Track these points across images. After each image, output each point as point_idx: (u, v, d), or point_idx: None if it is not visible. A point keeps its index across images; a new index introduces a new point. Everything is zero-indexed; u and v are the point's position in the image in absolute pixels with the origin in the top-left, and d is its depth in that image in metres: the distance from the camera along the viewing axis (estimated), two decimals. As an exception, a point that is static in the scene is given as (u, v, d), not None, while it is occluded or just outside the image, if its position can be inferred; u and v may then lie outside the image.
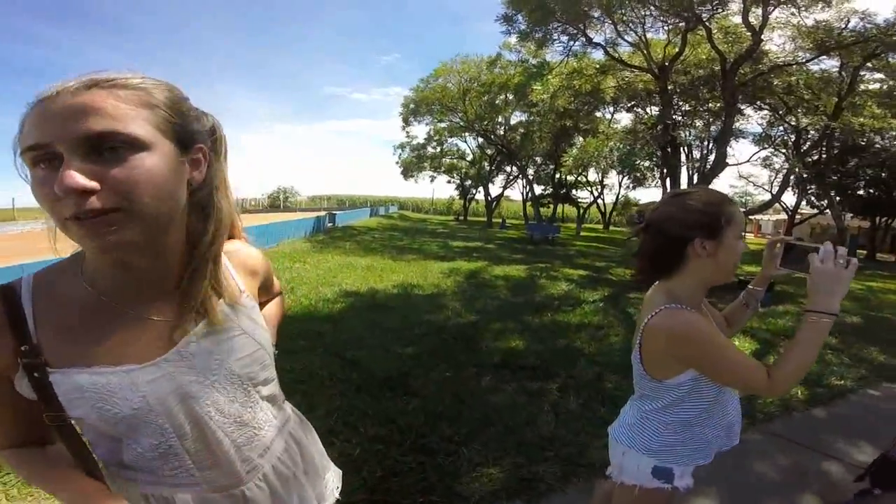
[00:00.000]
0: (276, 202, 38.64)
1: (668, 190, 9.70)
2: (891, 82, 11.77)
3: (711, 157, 19.25)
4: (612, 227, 32.32)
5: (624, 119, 18.00)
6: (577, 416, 2.78)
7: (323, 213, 16.22)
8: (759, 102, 15.61)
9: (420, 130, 33.96)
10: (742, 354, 1.02)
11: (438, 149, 28.88)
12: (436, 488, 2.07)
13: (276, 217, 19.05)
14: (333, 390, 3.02)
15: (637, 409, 1.23)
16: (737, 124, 18.39)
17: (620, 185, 28.82)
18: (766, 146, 19.59)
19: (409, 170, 29.28)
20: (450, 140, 28.50)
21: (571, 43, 11.17)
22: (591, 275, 8.74)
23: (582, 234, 23.95)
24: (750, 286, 1.30)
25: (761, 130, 18.80)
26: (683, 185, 10.24)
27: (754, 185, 24.44)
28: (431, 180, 31.55)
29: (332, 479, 1.05)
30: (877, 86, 12.51)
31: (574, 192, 28.85)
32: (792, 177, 17.71)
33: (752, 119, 17.80)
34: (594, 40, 10.82)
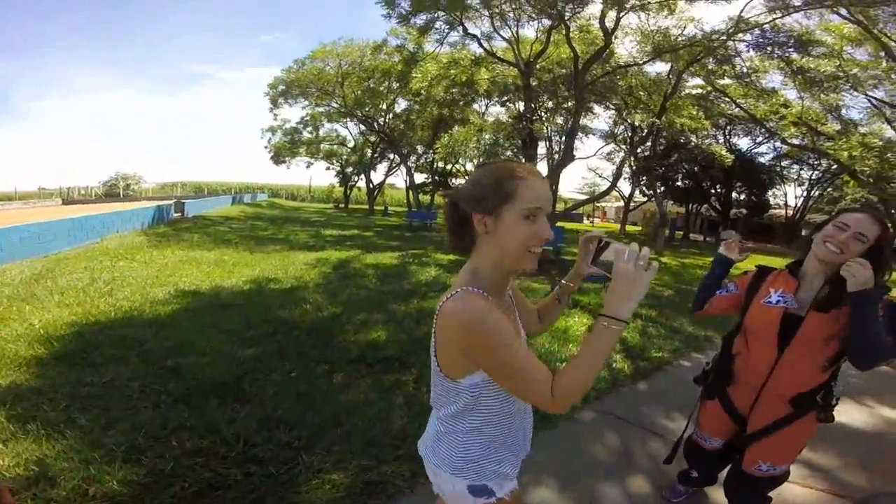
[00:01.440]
0: (114, 190, 32.64)
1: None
2: (709, 88, 14.24)
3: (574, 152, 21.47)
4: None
5: (498, 112, 18.95)
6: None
7: (168, 202, 13.95)
8: (606, 102, 17.76)
9: (294, 113, 31.75)
10: (531, 360, 0.88)
11: (315, 134, 27.19)
12: (265, 500, 1.84)
13: (110, 207, 15.93)
14: (144, 403, 2.52)
15: (435, 417, 1.08)
16: (588, 122, 20.75)
17: (493, 175, 30.62)
18: (611, 142, 22.51)
19: (280, 155, 27.05)
20: (327, 125, 27.05)
21: (448, 32, 11.22)
22: (461, 259, 8.95)
23: (459, 221, 24.84)
24: (563, 280, 1.20)
25: (607, 128, 21.55)
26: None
27: (600, 176, 27.98)
28: (308, 166, 29.68)
29: None
30: (697, 91, 15.04)
31: (453, 180, 29.83)
32: (626, 168, 20.71)
33: (602, 117, 20.31)
34: (470, 31, 11.02)
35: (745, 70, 11.24)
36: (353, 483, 1.99)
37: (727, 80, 13.54)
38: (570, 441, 2.51)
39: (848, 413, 3.00)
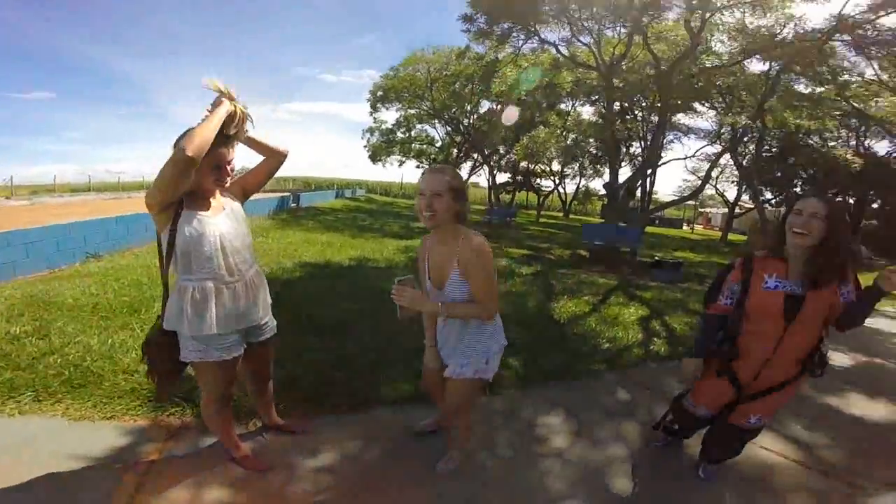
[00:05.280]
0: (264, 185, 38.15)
1: (609, 181, 10.67)
2: (821, 88, 13.04)
3: (661, 153, 20.64)
4: (571, 216, 33.76)
5: (589, 112, 18.97)
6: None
7: (287, 194, 16.53)
8: (706, 102, 16.83)
9: (390, 116, 33.90)
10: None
11: (407, 134, 29.19)
12: (358, 393, 2.81)
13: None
14: (285, 333, 3.64)
15: None
16: (689, 121, 19.74)
17: (581, 176, 30.07)
18: (715, 142, 21.09)
19: (377, 154, 29.45)
20: (419, 126, 28.87)
21: (524, 41, 11.87)
22: (531, 254, 9.64)
23: (541, 220, 25.06)
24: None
25: (710, 128, 20.25)
26: (623, 177, 11.20)
27: (698, 178, 26.14)
28: (400, 165, 31.88)
29: (272, 321, 2.02)
30: (819, 89, 13.73)
31: (538, 180, 30.05)
32: (727, 172, 19.04)
33: (706, 116, 19.16)
34: (548, 40, 11.58)
35: (841, 70, 10.24)
36: (413, 390, 2.85)
37: (848, 77, 12.31)
38: (585, 390, 3.18)
39: (871, 406, 3.21)
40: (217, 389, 1.82)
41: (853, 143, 21.17)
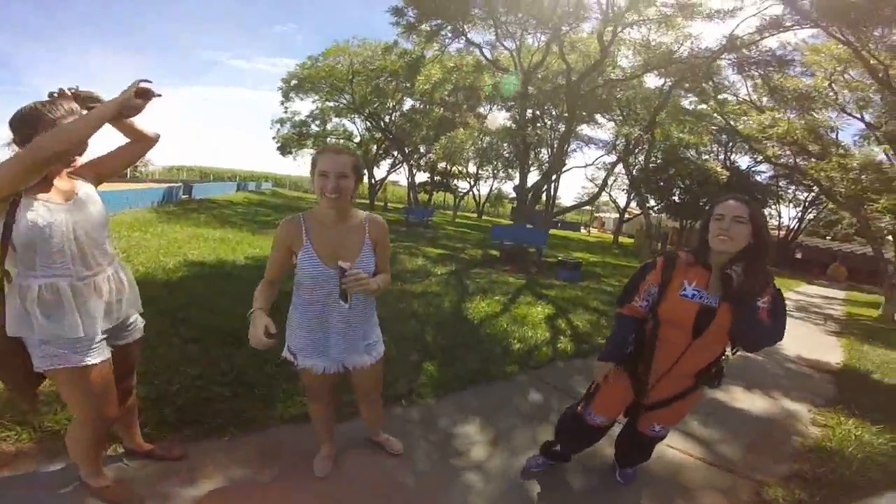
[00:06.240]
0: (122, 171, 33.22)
1: (519, 184, 11.03)
2: (703, 105, 14.71)
3: (565, 160, 22.07)
4: (484, 217, 34.82)
5: (504, 117, 19.50)
6: (396, 360, 3.25)
7: (177, 184, 14.59)
8: (606, 114, 18.26)
9: (304, 107, 32.11)
10: (272, 259, 1.68)
11: (322, 127, 27.72)
12: (247, 411, 2.39)
13: (120, 187, 16.54)
14: (159, 343, 3.03)
15: None
16: (592, 132, 21.26)
17: (494, 178, 31.13)
18: (611, 152, 23.00)
19: (287, 146, 27.54)
20: (336, 120, 27.58)
21: (452, 40, 11.86)
22: (447, 253, 9.58)
23: (457, 220, 25.43)
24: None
25: (608, 138, 22.07)
26: (531, 181, 11.67)
27: (598, 186, 28.52)
28: (312, 158, 30.28)
29: (139, 320, 1.77)
30: (694, 107, 15.40)
31: (455, 181, 30.56)
32: (618, 180, 20.90)
33: (606, 127, 20.83)
34: (474, 41, 11.70)
35: (719, 87, 11.67)
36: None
37: (727, 96, 14.12)
38: (500, 393, 3.08)
39: (751, 400, 3.49)
40: (90, 405, 1.51)
41: (721, 157, 24.50)
